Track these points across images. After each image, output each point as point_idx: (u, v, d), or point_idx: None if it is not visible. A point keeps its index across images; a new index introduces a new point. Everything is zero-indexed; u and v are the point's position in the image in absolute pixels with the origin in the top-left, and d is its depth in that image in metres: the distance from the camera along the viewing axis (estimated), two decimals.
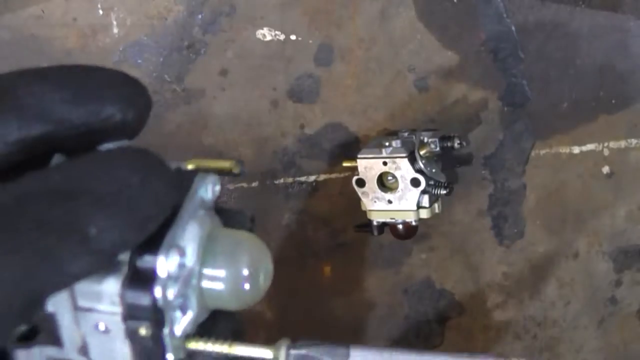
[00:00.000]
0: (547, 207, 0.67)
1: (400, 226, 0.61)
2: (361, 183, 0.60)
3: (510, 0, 0.62)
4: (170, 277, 0.19)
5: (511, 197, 0.66)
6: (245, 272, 0.21)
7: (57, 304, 0.20)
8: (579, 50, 0.63)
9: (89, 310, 0.19)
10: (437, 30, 0.63)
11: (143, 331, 0.19)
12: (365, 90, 0.64)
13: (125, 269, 0.19)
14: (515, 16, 0.62)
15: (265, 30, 0.63)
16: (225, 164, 0.21)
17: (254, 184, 0.67)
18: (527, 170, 0.66)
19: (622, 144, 0.65)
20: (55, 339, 0.20)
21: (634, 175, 0.66)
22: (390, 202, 0.59)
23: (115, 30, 0.62)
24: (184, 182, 0.20)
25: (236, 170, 0.22)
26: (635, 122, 0.64)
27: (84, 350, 0.20)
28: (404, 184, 0.58)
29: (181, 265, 0.19)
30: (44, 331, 0.20)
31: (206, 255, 0.20)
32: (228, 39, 0.62)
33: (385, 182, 0.60)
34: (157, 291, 0.19)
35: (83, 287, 0.19)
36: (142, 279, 0.19)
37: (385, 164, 0.58)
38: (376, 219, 0.61)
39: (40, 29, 0.61)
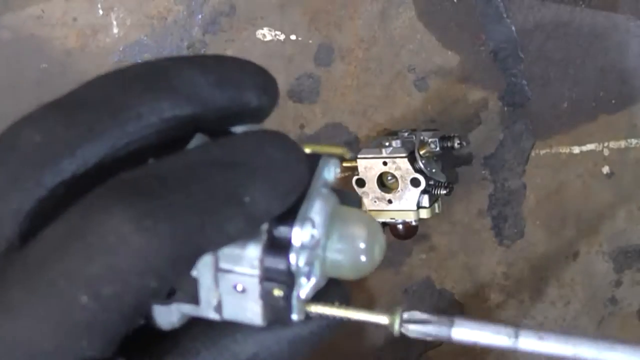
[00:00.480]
0: (547, 207, 0.67)
1: (400, 226, 0.61)
2: (361, 183, 0.60)
3: (510, 0, 0.62)
4: (303, 246, 0.21)
5: (511, 197, 0.66)
6: (363, 245, 0.23)
7: (200, 267, 0.22)
8: (579, 50, 0.63)
9: (229, 272, 0.22)
10: (437, 30, 0.63)
11: (277, 292, 0.22)
12: (365, 90, 0.64)
13: (264, 237, 0.21)
14: (515, 16, 0.62)
15: (265, 30, 0.63)
16: (337, 150, 0.24)
17: None
18: (527, 170, 0.66)
19: (622, 144, 0.65)
20: (193, 298, 0.22)
21: (634, 175, 0.66)
22: (390, 202, 0.59)
23: (115, 30, 0.62)
24: (312, 163, 0.23)
25: (347, 156, 0.24)
26: (635, 122, 0.64)
27: (218, 308, 0.22)
28: (404, 184, 0.58)
29: (312, 236, 0.22)
30: (182, 291, 0.22)
31: (329, 229, 0.23)
32: (228, 39, 0.62)
33: (385, 182, 0.60)
34: (292, 258, 0.21)
35: (226, 251, 0.21)
36: (279, 247, 0.21)
37: (385, 164, 0.58)
38: (376, 219, 0.61)
39: (40, 29, 0.61)
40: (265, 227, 0.21)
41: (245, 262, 0.21)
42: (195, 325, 0.23)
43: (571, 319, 0.69)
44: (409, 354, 0.70)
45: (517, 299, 0.69)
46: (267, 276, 0.21)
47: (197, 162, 0.20)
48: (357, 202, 0.25)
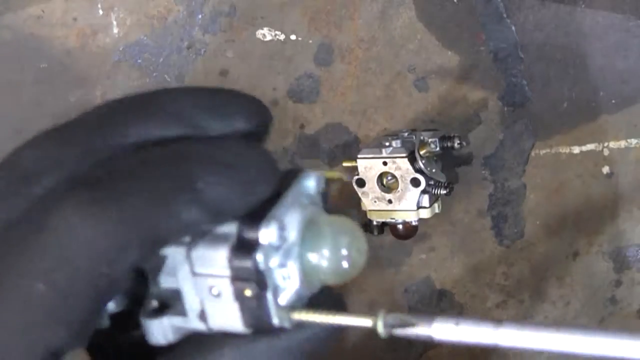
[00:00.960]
0: (547, 207, 0.67)
1: (400, 226, 0.61)
2: (361, 183, 0.60)
3: (510, 0, 0.62)
4: (271, 247, 0.22)
5: (511, 197, 0.66)
6: (344, 251, 0.24)
7: (179, 275, 0.23)
8: (579, 50, 0.63)
9: (204, 275, 0.22)
10: (437, 30, 0.63)
11: (248, 292, 0.22)
12: (365, 90, 0.64)
13: (233, 239, 0.22)
14: (515, 16, 0.62)
15: (265, 30, 0.63)
16: (334, 174, 0.25)
17: None
18: (527, 170, 0.66)
19: (622, 144, 0.65)
20: (180, 310, 0.23)
21: (634, 175, 0.65)
22: (390, 202, 0.59)
23: (115, 30, 0.62)
24: (291, 174, 0.24)
25: (345, 179, 0.25)
26: (635, 122, 0.64)
27: (203, 316, 0.23)
28: (404, 184, 0.58)
29: (281, 238, 0.22)
30: (171, 305, 0.23)
31: (308, 236, 0.23)
32: (228, 39, 0.62)
33: (385, 182, 0.60)
34: (259, 256, 0.22)
35: (199, 254, 0.22)
36: (246, 246, 0.22)
37: (385, 164, 0.58)
38: (376, 219, 0.61)
39: (40, 29, 0.61)
40: (235, 229, 0.22)
41: (216, 263, 0.22)
42: (188, 341, 0.23)
43: (571, 319, 0.69)
44: (409, 354, 0.70)
45: (517, 299, 0.69)
46: (237, 276, 0.22)
47: (151, 155, 0.21)
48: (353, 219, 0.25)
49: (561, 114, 0.64)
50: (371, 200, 0.60)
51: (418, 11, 0.62)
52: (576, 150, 0.65)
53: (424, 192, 0.59)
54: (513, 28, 0.62)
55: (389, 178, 0.60)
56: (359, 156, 0.59)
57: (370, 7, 0.62)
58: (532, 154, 0.65)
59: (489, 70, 0.63)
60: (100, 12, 0.61)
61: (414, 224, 0.60)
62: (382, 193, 0.59)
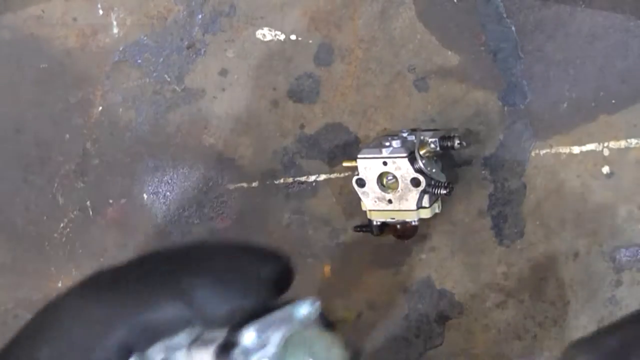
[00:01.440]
0: (547, 207, 0.67)
1: (400, 226, 0.61)
2: (361, 183, 0.60)
3: (510, 0, 0.62)
4: (249, 349, 0.26)
5: (511, 197, 0.66)
6: None
7: None
8: (579, 50, 0.63)
9: None
10: (437, 30, 0.63)
11: None
12: (365, 90, 0.64)
13: (221, 340, 0.26)
14: (515, 16, 0.62)
15: (265, 30, 0.63)
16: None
17: (254, 184, 0.67)
18: (527, 170, 0.66)
19: (622, 144, 0.65)
20: None
21: (634, 175, 0.65)
22: (390, 202, 0.59)
23: (115, 30, 0.62)
24: (290, 301, 0.28)
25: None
26: (635, 122, 0.64)
27: None
28: (404, 184, 0.58)
29: (261, 342, 0.26)
30: None
31: (292, 350, 0.27)
32: (228, 39, 0.62)
33: (385, 182, 0.60)
34: (237, 353, 0.26)
35: (195, 353, 0.26)
36: (228, 347, 0.26)
37: (385, 164, 0.58)
38: (376, 219, 0.61)
39: (40, 29, 0.61)
40: (224, 333, 0.26)
41: None
42: None
43: (571, 319, 0.69)
44: (409, 354, 0.70)
45: (517, 299, 0.69)
46: None
47: (149, 261, 0.26)
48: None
49: (561, 114, 0.64)
50: (371, 200, 0.60)
51: (418, 11, 0.62)
52: (576, 150, 0.65)
53: (424, 192, 0.59)
54: (513, 28, 0.62)
55: (389, 178, 0.60)
56: (359, 156, 0.59)
57: (370, 7, 0.62)
58: (532, 154, 0.65)
59: (489, 70, 0.63)
60: (100, 12, 0.61)
61: (414, 224, 0.60)
62: (382, 193, 0.59)
